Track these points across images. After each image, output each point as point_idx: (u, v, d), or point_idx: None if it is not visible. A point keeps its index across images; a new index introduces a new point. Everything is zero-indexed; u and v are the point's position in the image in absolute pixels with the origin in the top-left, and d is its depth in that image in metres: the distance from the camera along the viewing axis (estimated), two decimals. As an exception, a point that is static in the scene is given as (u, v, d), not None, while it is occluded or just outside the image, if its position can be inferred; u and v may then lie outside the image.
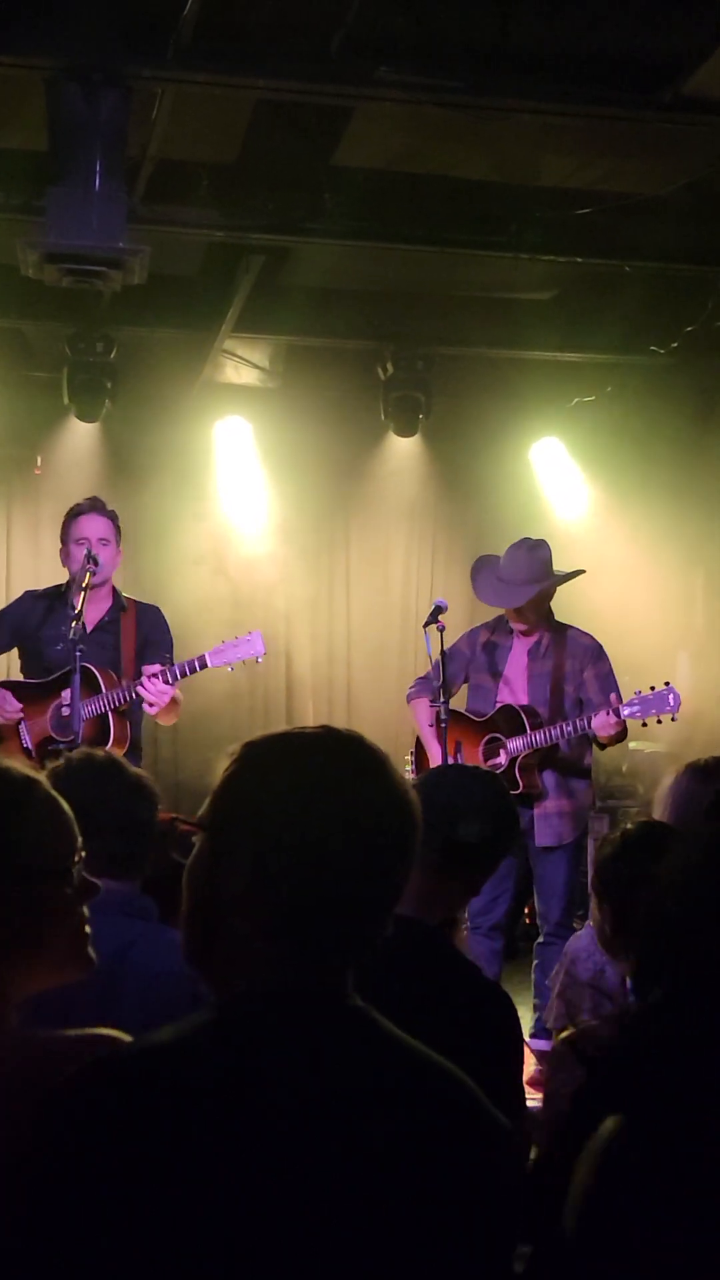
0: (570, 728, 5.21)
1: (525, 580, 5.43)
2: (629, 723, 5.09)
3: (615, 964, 3.02)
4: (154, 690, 4.95)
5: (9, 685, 5.36)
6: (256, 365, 7.68)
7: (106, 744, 5.03)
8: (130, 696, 5.06)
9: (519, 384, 7.84)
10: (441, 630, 5.25)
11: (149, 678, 4.98)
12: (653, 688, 5.02)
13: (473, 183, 5.79)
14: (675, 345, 6.98)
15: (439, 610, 5.27)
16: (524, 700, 5.44)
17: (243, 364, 7.65)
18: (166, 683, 4.98)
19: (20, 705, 5.25)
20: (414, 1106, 1.40)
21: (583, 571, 5.70)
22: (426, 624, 5.32)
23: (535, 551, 5.52)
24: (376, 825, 1.43)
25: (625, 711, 5.01)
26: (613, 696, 5.12)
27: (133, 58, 4.35)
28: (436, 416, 7.62)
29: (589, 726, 5.12)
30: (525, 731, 5.30)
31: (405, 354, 7.31)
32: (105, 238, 4.42)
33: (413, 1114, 1.39)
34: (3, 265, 5.97)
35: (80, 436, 7.71)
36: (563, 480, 8.20)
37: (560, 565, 5.67)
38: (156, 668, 5.08)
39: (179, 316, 6.97)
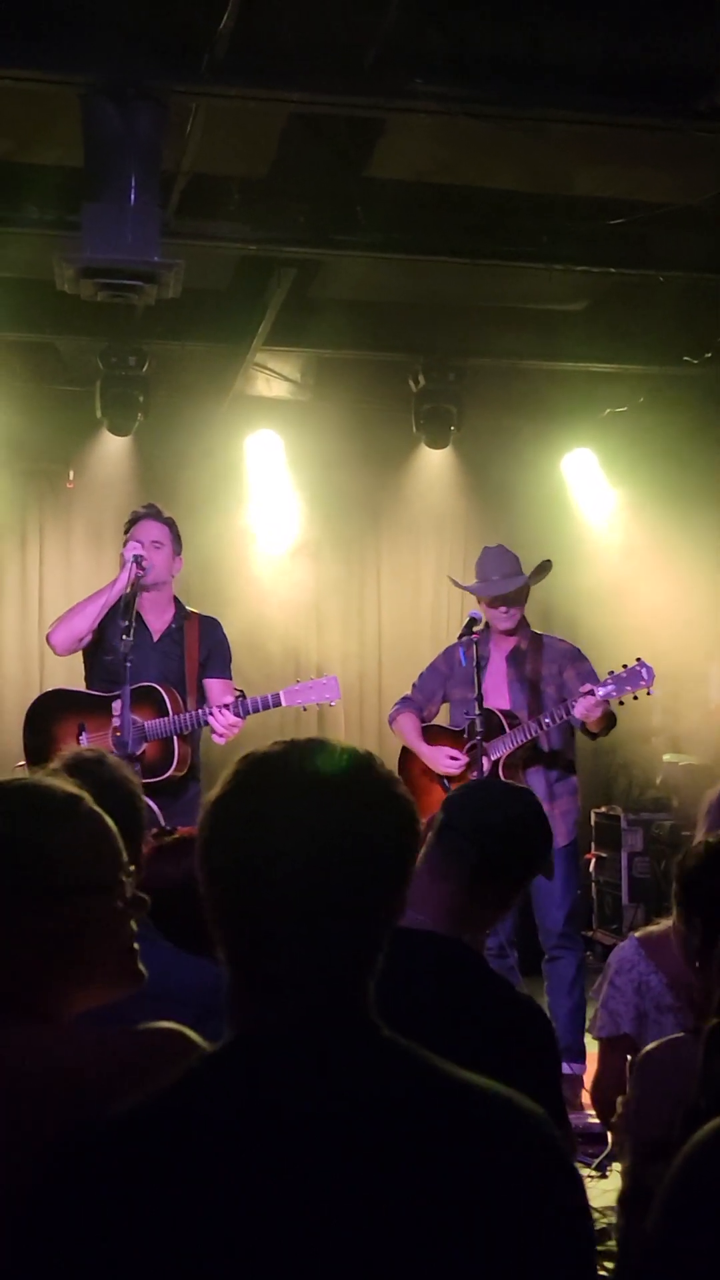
0: (548, 719, 5.18)
1: (515, 571, 5.47)
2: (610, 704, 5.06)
3: (659, 973, 3.01)
4: (224, 722, 4.97)
5: (68, 694, 5.35)
6: (288, 378, 7.70)
7: (171, 766, 5.04)
8: (200, 722, 5.06)
9: (551, 395, 7.83)
10: (475, 643, 5.24)
11: (220, 709, 4.99)
12: (625, 666, 5.01)
13: (505, 194, 5.79)
14: (708, 355, 6.96)
15: (473, 622, 5.26)
16: (506, 700, 5.40)
17: (274, 377, 7.67)
18: (237, 714, 4.99)
19: (87, 685, 5.21)
20: (463, 1141, 1.29)
21: (549, 563, 5.67)
22: (461, 636, 5.31)
23: (508, 550, 5.57)
24: (339, 844, 1.33)
25: (601, 691, 4.96)
26: (588, 685, 5.08)
27: (167, 73, 4.37)
28: (468, 428, 7.62)
29: (570, 715, 5.08)
30: (504, 732, 5.26)
31: (437, 366, 7.31)
32: (140, 252, 4.44)
33: (462, 1150, 1.29)
34: (36, 280, 6.01)
35: (112, 450, 7.74)
36: (594, 491, 8.18)
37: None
38: (222, 688, 5.09)
39: (211, 330, 7.00)
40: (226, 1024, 1.36)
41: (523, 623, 5.52)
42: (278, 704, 5.11)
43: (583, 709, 5.00)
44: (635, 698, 5.10)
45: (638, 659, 5.05)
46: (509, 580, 5.43)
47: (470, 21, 4.36)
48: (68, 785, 1.67)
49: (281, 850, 1.32)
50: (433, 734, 5.57)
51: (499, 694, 5.42)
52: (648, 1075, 2.33)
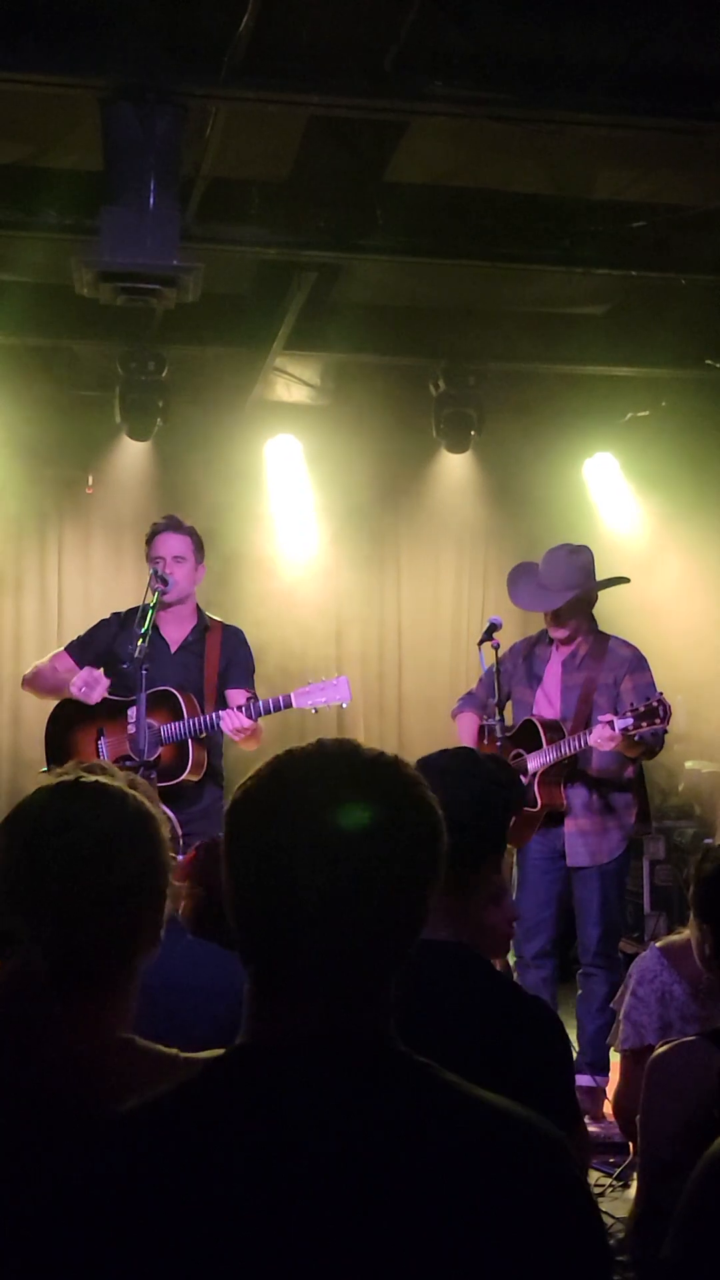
0: (565, 746, 5.09)
1: (563, 585, 5.27)
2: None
3: (683, 983, 2.98)
4: (233, 724, 4.95)
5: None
6: (308, 383, 7.68)
7: (185, 769, 5.02)
8: (213, 725, 5.04)
9: (572, 399, 7.80)
10: (496, 647, 5.21)
11: (231, 710, 4.98)
12: (647, 701, 4.91)
13: (526, 197, 5.77)
14: (731, 359, 6.92)
15: (494, 628, 5.22)
16: (556, 709, 5.30)
17: (294, 381, 7.66)
18: (250, 717, 4.97)
19: (106, 680, 5.17)
20: (469, 1164, 1.25)
21: (625, 580, 5.56)
22: (481, 641, 5.28)
23: (575, 556, 5.35)
24: (362, 849, 1.29)
25: (619, 724, 4.86)
26: (607, 715, 4.97)
27: (186, 77, 4.36)
28: (488, 432, 7.59)
29: (585, 743, 4.98)
30: (541, 746, 5.18)
31: (457, 370, 7.29)
32: (159, 256, 4.43)
33: (467, 1173, 1.24)
34: (56, 285, 6.01)
35: (132, 455, 7.74)
36: (616, 496, 8.14)
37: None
38: (242, 698, 5.07)
39: (230, 334, 7.00)
40: (242, 1028, 1.34)
41: (584, 626, 5.34)
42: (288, 705, 5.09)
43: (596, 737, 4.91)
44: (654, 734, 4.99)
45: (659, 694, 4.92)
46: (549, 595, 5.27)
47: (490, 23, 4.33)
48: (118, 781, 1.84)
49: (303, 852, 1.29)
50: (486, 739, 5.46)
51: (550, 701, 5.33)
52: (657, 1080, 2.29)
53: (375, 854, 1.30)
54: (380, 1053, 1.31)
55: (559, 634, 5.34)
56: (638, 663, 5.28)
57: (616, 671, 5.26)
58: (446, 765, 2.29)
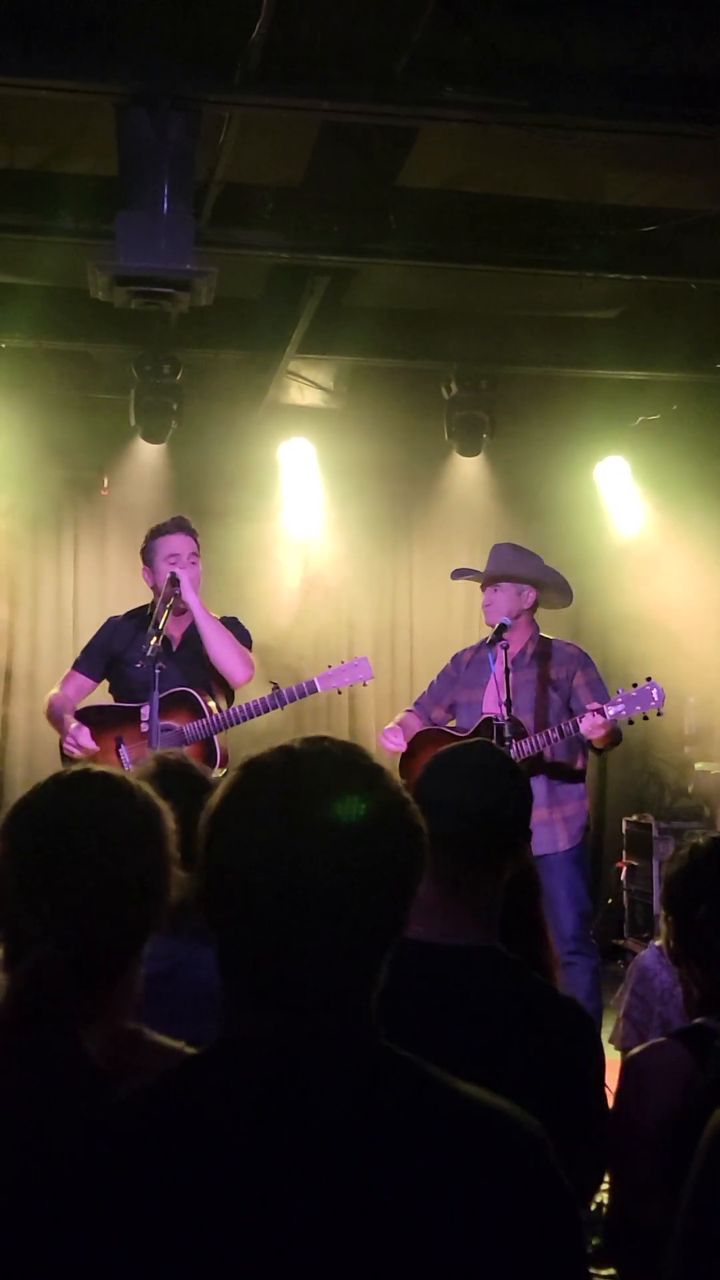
0: (554, 733, 5.17)
1: (502, 562, 5.53)
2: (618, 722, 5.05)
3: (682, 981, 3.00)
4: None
5: (99, 710, 5.38)
6: (321, 386, 7.72)
7: (215, 765, 5.06)
8: (234, 719, 5.10)
9: (583, 403, 7.83)
10: (506, 649, 5.24)
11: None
12: (635, 685, 4.99)
13: (537, 202, 5.80)
14: (741, 363, 6.94)
15: (503, 629, 5.26)
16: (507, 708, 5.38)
17: (307, 385, 7.70)
18: (276, 705, 5.08)
19: (97, 746, 5.22)
20: (442, 1162, 1.26)
21: (567, 596, 5.66)
22: (491, 643, 5.31)
23: (512, 548, 5.61)
24: (330, 857, 1.29)
25: (611, 711, 4.95)
26: (595, 704, 5.06)
27: (200, 82, 4.41)
28: (500, 436, 7.63)
29: (576, 731, 5.06)
30: (508, 743, 5.20)
31: (469, 374, 7.32)
32: (173, 260, 4.47)
33: (438, 1171, 1.25)
34: (72, 289, 6.07)
35: (146, 457, 7.79)
36: (627, 499, 8.16)
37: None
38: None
39: (244, 338, 7.04)
40: (221, 1024, 1.35)
41: (527, 627, 5.51)
42: (313, 690, 5.15)
43: (588, 726, 4.99)
44: (645, 718, 5.09)
45: (648, 678, 5.03)
46: (488, 570, 5.49)
47: (499, 30, 4.37)
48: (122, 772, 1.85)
49: (271, 862, 1.30)
50: (435, 738, 5.51)
51: (497, 706, 5.32)
52: (630, 1084, 2.28)
53: (345, 864, 1.30)
54: (361, 1047, 1.32)
55: (489, 617, 5.46)
56: (585, 659, 5.46)
57: (567, 667, 5.40)
58: (477, 761, 2.31)
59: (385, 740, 5.56)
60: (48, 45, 4.27)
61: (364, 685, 5.28)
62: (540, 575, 5.56)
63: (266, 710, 5.12)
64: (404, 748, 5.52)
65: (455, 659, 5.70)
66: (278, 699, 5.08)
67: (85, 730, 5.19)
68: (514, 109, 4.57)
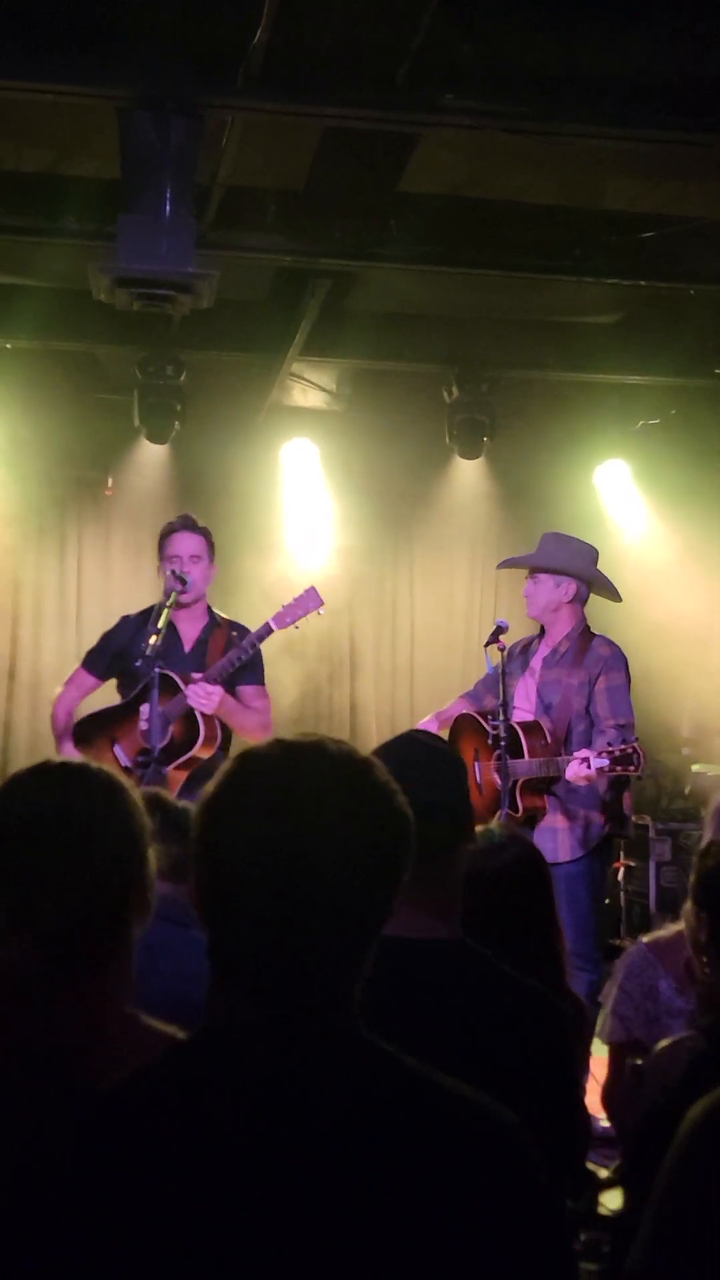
0: (548, 768, 5.11)
1: (549, 553, 5.43)
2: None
3: (669, 978, 3.03)
4: (199, 693, 4.99)
5: (92, 718, 5.38)
6: (323, 388, 7.76)
7: (197, 742, 5.05)
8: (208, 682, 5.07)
9: (584, 407, 7.86)
10: (502, 650, 5.26)
11: (196, 682, 5.02)
12: (625, 744, 4.92)
13: (538, 207, 5.83)
14: (740, 368, 6.97)
15: (500, 630, 5.26)
16: (530, 708, 5.32)
17: (310, 387, 7.74)
18: (243, 655, 5.06)
19: (117, 691, 5.29)
20: (422, 1151, 1.26)
21: (614, 593, 5.58)
22: (487, 643, 5.32)
23: (565, 541, 5.50)
24: (317, 849, 1.31)
25: (596, 765, 4.88)
26: (584, 751, 4.99)
27: (203, 87, 4.43)
28: (501, 439, 7.66)
29: (560, 772, 5.02)
30: (523, 755, 5.18)
31: (470, 377, 7.35)
32: (174, 263, 4.49)
33: (417, 1161, 1.25)
34: (76, 290, 6.10)
35: (150, 458, 7.83)
36: (627, 503, 8.19)
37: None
38: (260, 702, 5.20)
39: (247, 340, 7.07)
40: (206, 1013, 1.36)
41: (568, 620, 5.38)
42: (270, 631, 5.16)
43: (573, 774, 4.95)
44: (626, 780, 5.08)
45: (635, 742, 4.95)
46: (524, 558, 5.43)
47: (501, 36, 4.39)
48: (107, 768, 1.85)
49: (260, 853, 1.32)
50: (466, 723, 5.48)
51: (528, 696, 5.35)
52: (655, 1079, 2.32)
53: (331, 856, 1.31)
54: (340, 1039, 1.33)
55: (529, 610, 5.41)
56: (614, 661, 5.27)
57: (592, 670, 5.25)
58: (408, 756, 2.30)
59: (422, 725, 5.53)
60: (52, 49, 4.30)
61: (319, 615, 5.24)
62: (578, 568, 5.38)
63: (234, 666, 5.11)
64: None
65: (509, 654, 5.47)
66: (243, 651, 5.09)
67: (75, 755, 5.20)
68: (515, 115, 4.59)
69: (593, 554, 5.50)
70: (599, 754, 4.90)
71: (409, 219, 5.61)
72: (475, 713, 5.54)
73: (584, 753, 4.95)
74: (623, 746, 4.89)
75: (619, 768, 4.88)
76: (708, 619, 7.79)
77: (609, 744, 4.96)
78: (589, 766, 4.89)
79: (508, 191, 5.73)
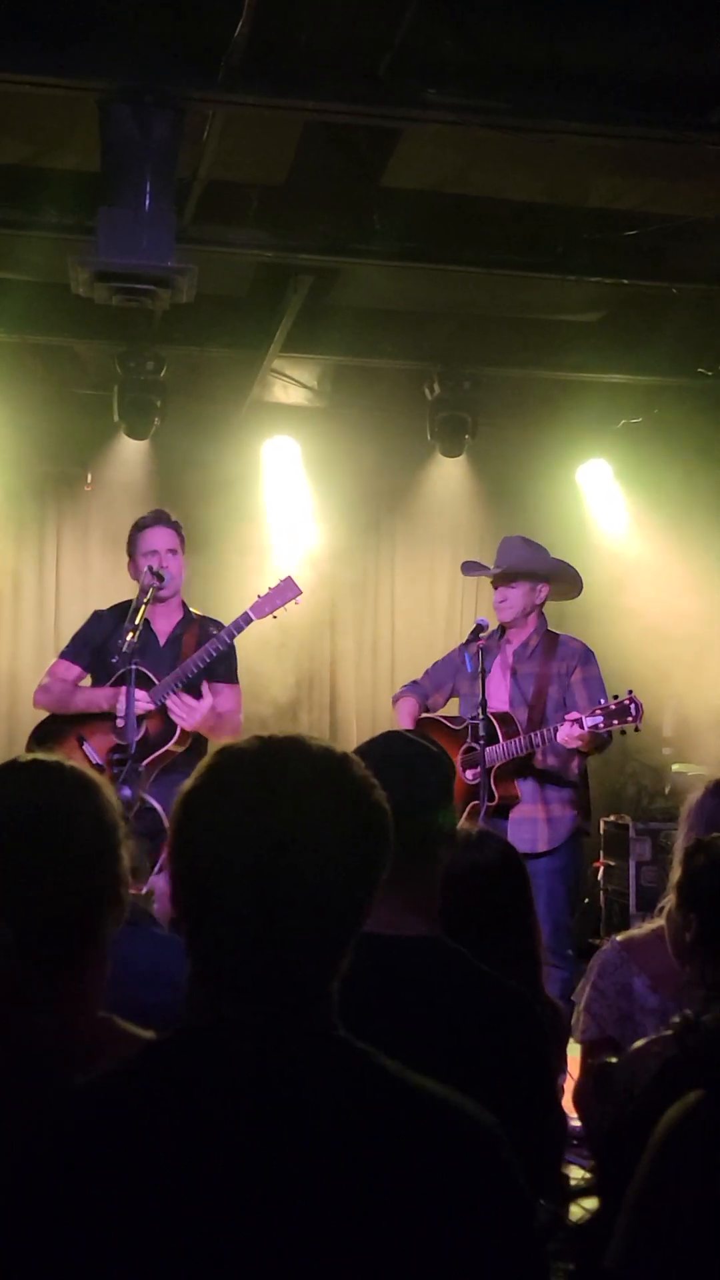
0: (536, 738, 5.17)
1: (520, 558, 5.53)
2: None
3: (643, 976, 3.02)
4: (180, 705, 4.98)
5: (54, 719, 5.37)
6: (305, 385, 7.74)
7: (172, 738, 5.04)
8: (185, 674, 5.07)
9: (566, 405, 7.86)
10: (482, 649, 5.26)
11: (180, 695, 5.01)
12: (616, 697, 4.99)
13: (521, 204, 5.82)
14: (723, 367, 6.98)
15: (480, 629, 5.28)
16: (504, 700, 5.37)
17: (291, 383, 7.72)
18: (221, 646, 5.04)
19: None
20: (398, 1151, 1.27)
21: (576, 584, 5.68)
22: (467, 643, 5.34)
23: (523, 541, 5.63)
24: (297, 845, 1.31)
25: (589, 722, 4.94)
26: (574, 713, 5.05)
27: (184, 80, 4.41)
28: (483, 437, 7.65)
29: (554, 737, 5.06)
30: (498, 740, 5.22)
31: (452, 374, 7.34)
32: (154, 257, 4.47)
33: (392, 1161, 1.26)
34: (56, 284, 6.06)
35: (130, 454, 7.79)
36: (609, 501, 8.19)
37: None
38: (230, 705, 5.17)
39: (228, 336, 7.05)
40: (183, 1012, 1.36)
41: (534, 620, 5.51)
42: (249, 621, 5.15)
43: (564, 735, 5.00)
44: (623, 732, 5.09)
45: (629, 692, 5.00)
46: (495, 567, 5.49)
47: (485, 31, 4.38)
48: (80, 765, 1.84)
49: (239, 849, 1.31)
50: (427, 726, 5.56)
51: (499, 693, 5.40)
52: (623, 1081, 2.31)
53: (311, 853, 1.31)
54: (318, 1038, 1.33)
55: (503, 615, 5.47)
56: (587, 656, 5.42)
57: (567, 662, 5.37)
58: (388, 752, 2.30)
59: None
60: (32, 41, 4.28)
61: (296, 604, 5.24)
62: (553, 568, 5.57)
63: (209, 659, 5.09)
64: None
65: (461, 646, 5.58)
66: (220, 642, 5.07)
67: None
68: (498, 111, 4.58)
69: (550, 556, 5.66)
70: (592, 713, 4.93)
71: (391, 214, 5.60)
72: (438, 716, 5.62)
73: (573, 715, 4.99)
74: (617, 699, 4.91)
75: (615, 721, 4.92)
76: (689, 618, 7.80)
77: (601, 702, 5.01)
78: (581, 727, 4.91)
79: (490, 188, 5.72)
